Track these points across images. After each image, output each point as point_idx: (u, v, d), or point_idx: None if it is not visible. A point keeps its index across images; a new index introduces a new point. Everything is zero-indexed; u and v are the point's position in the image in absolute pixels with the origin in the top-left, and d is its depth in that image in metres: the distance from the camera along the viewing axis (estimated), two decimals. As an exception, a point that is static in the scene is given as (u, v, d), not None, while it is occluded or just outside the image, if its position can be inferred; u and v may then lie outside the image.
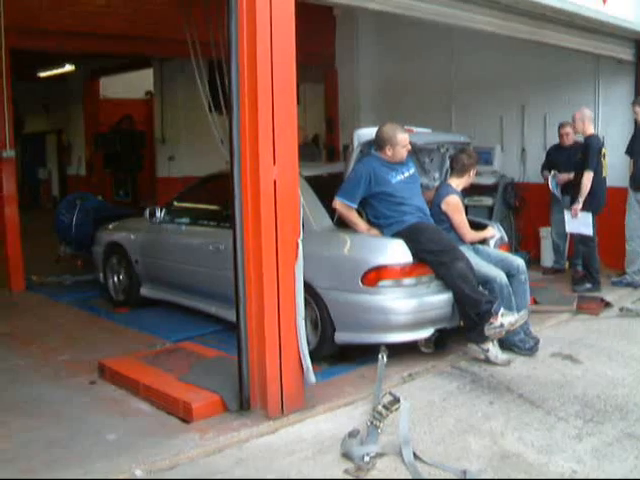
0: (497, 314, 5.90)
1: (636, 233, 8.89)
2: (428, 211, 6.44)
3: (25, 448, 4.57)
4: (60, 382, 5.88)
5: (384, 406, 4.66)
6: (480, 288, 6.07)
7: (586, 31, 8.40)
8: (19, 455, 4.47)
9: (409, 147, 6.26)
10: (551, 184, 9.43)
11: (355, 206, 6.22)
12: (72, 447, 4.58)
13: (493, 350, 6.05)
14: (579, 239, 8.85)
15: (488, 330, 5.88)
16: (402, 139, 6.21)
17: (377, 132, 6.26)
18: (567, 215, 8.64)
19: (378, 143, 6.25)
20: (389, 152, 6.21)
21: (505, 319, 5.88)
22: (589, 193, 8.39)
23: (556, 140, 9.75)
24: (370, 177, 6.17)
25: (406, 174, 6.34)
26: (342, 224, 6.34)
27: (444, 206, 6.58)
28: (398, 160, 6.26)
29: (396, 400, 4.65)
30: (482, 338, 6.00)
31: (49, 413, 5.20)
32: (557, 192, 9.43)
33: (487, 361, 6.06)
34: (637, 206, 8.87)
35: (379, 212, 6.24)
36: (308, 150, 11.94)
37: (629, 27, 8.51)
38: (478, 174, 7.31)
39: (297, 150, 4.97)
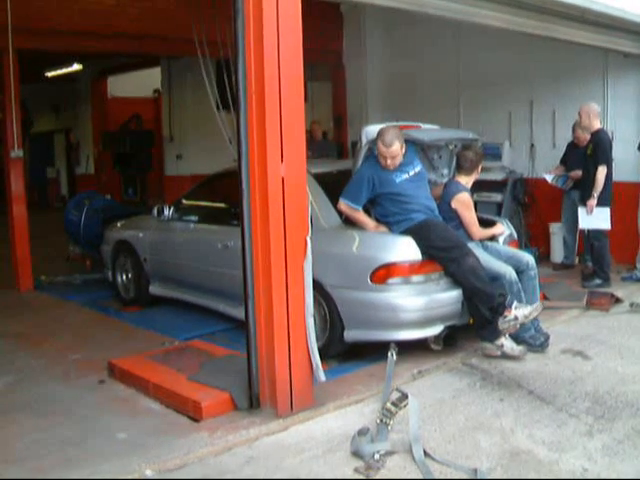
0: (511, 307, 5.89)
1: None
2: (436, 208, 6.42)
3: (37, 447, 4.59)
4: (71, 381, 5.90)
5: (393, 403, 4.65)
6: None
7: (595, 25, 8.34)
8: (31, 454, 4.49)
9: (387, 161, 6.11)
10: (554, 182, 9.49)
11: (360, 208, 6.21)
12: (84, 446, 4.59)
13: (508, 343, 6.01)
14: (592, 235, 8.78)
15: (502, 324, 5.87)
16: (379, 148, 6.09)
17: None
18: (582, 212, 8.58)
19: None
20: (376, 151, 6.20)
21: (519, 311, 5.87)
22: (603, 187, 8.37)
23: (568, 135, 9.72)
24: (373, 180, 6.16)
25: (411, 173, 6.31)
26: (351, 222, 6.33)
27: (454, 203, 6.55)
28: (382, 165, 6.20)
29: (404, 396, 4.64)
30: (495, 335, 5.98)
31: (60, 412, 5.21)
32: (561, 185, 9.49)
33: (504, 356, 6.02)
34: None
35: (387, 210, 6.22)
36: (325, 146, 11.94)
37: (637, 21, 8.46)
38: (487, 170, 7.28)
39: (305, 148, 4.96)
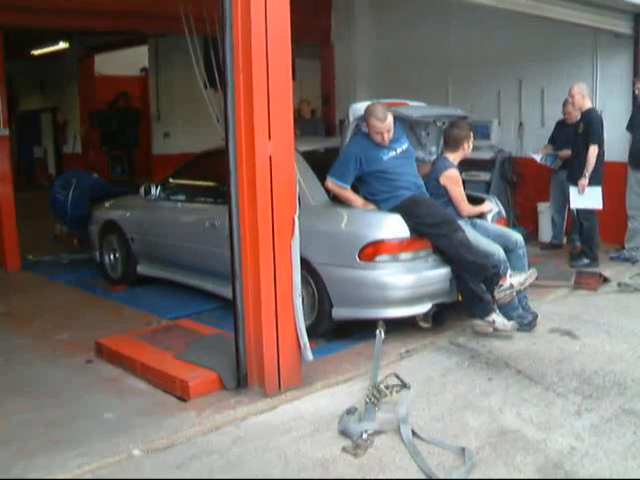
0: (505, 275, 5.90)
1: (638, 212, 8.88)
2: (423, 185, 6.39)
3: (23, 429, 4.55)
4: (58, 362, 5.86)
5: (387, 386, 4.64)
6: None
7: (585, 4, 8.32)
8: (17, 436, 4.45)
9: (384, 135, 6.06)
10: (543, 161, 9.49)
11: (348, 186, 6.18)
12: (71, 427, 4.56)
13: (499, 319, 6.03)
14: (581, 215, 8.79)
15: (498, 293, 5.89)
16: (374, 125, 6.03)
17: None
18: (573, 191, 8.57)
19: None
20: (366, 129, 6.16)
21: (514, 279, 5.91)
22: (594, 167, 8.35)
23: (556, 114, 9.70)
24: (360, 158, 6.12)
25: (398, 150, 6.27)
26: (339, 199, 6.30)
27: (442, 179, 6.51)
28: (378, 141, 6.16)
29: (404, 385, 4.63)
30: (486, 311, 6.01)
31: (47, 393, 5.19)
32: (550, 164, 9.49)
33: (495, 333, 6.04)
34: (636, 185, 8.85)
35: (375, 188, 6.19)
36: (313, 125, 11.91)
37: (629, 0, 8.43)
38: (475, 149, 7.23)
39: (293, 125, 4.92)
